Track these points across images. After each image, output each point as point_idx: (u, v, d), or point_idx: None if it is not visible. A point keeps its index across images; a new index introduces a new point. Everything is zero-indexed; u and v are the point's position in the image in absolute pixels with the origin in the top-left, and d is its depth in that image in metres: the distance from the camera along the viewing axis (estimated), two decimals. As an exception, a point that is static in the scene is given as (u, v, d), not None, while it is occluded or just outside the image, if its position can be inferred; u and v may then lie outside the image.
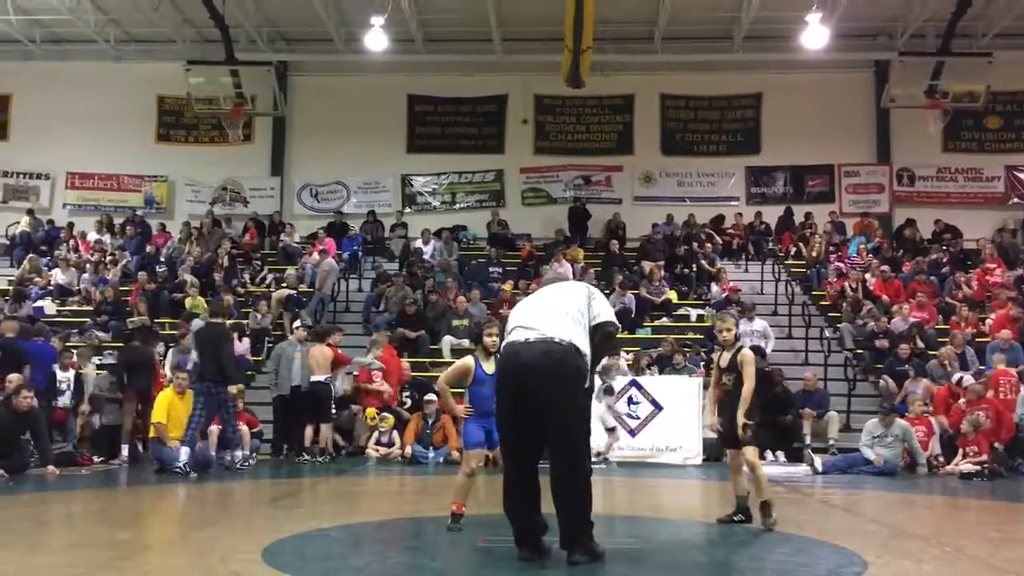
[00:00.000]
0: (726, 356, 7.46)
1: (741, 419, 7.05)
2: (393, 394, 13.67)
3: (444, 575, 5.27)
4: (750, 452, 7.14)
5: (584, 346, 5.33)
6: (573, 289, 5.71)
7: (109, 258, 19.55)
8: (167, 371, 12.90)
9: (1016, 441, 12.41)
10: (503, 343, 5.61)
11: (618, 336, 15.62)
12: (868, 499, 9.77)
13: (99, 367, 14.07)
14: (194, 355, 12.52)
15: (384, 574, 5.26)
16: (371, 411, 13.31)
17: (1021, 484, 11.27)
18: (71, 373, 12.88)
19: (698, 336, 16.04)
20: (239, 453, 11.53)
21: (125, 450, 12.10)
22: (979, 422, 11.95)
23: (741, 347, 7.50)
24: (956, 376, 13.56)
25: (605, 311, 5.54)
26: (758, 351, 14.42)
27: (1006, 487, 10.86)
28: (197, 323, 14.70)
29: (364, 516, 7.67)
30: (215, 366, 11.19)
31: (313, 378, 12.62)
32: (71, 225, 21.68)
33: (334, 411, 12.95)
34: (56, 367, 12.63)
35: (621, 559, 5.54)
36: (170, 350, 14.04)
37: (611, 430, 12.23)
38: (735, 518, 7.20)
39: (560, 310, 5.42)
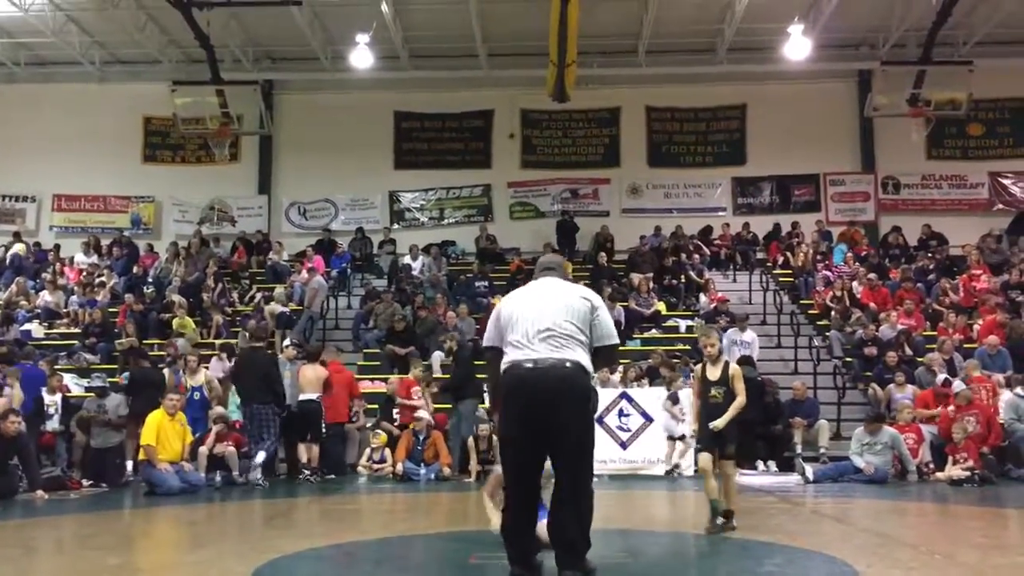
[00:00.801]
0: (713, 369, 7.58)
1: (722, 423, 7.30)
2: (344, 410, 13.44)
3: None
4: (729, 467, 7.42)
5: (589, 364, 5.22)
6: (575, 301, 5.32)
7: (97, 280, 19.49)
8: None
9: (1005, 446, 12.46)
10: (505, 364, 5.27)
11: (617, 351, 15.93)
12: (859, 508, 9.79)
13: (87, 389, 14.00)
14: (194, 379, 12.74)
15: (375, 594, 5.24)
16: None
17: (1011, 490, 11.31)
18: (58, 396, 12.83)
19: (686, 347, 16.07)
20: (256, 470, 11.58)
21: (130, 466, 12.09)
22: (968, 428, 11.99)
23: (728, 361, 7.69)
24: (940, 378, 13.62)
25: (609, 331, 5.36)
26: (748, 361, 14.56)
27: (996, 493, 10.89)
28: (183, 343, 14.73)
29: (356, 535, 7.64)
30: (259, 388, 11.79)
31: (303, 397, 12.56)
32: (58, 247, 21.61)
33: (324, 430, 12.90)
34: (44, 390, 12.59)
35: (613, 573, 5.54)
36: (165, 371, 14.02)
37: (679, 438, 12.62)
38: (718, 522, 7.28)
39: (565, 327, 5.19)
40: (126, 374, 13.91)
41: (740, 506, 9.72)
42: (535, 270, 5.75)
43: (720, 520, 7.27)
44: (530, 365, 5.10)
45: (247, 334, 15.07)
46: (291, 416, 12.62)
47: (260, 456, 11.70)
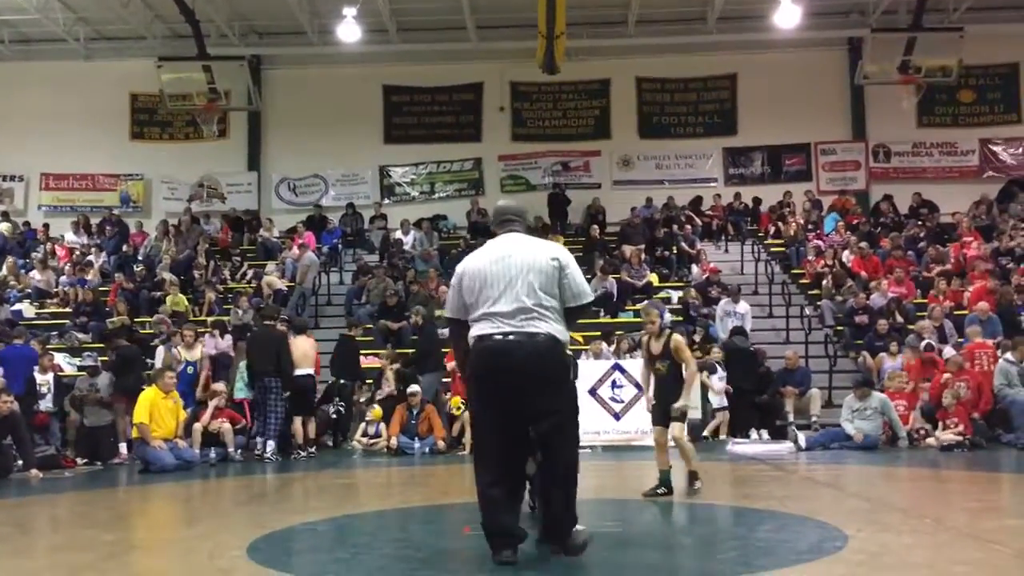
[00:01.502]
0: (656, 344, 7.59)
1: (686, 402, 7.41)
2: None
3: (431, 565, 5.29)
4: (676, 428, 7.48)
5: (563, 332, 4.90)
6: (542, 262, 4.89)
7: (87, 259, 19.41)
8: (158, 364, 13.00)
9: (995, 412, 12.55)
10: (473, 337, 4.91)
11: (599, 317, 15.93)
12: (850, 474, 9.87)
13: (80, 368, 13.99)
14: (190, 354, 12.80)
15: (370, 566, 5.28)
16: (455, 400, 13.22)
17: (1001, 455, 11.40)
18: (51, 376, 12.83)
19: (678, 319, 16.09)
20: (270, 444, 11.83)
21: (124, 448, 12.11)
22: (959, 394, 12.06)
23: (670, 332, 7.66)
24: (923, 344, 13.68)
25: (580, 289, 4.95)
26: (740, 332, 14.63)
27: (986, 458, 10.99)
28: (158, 317, 14.78)
29: (350, 509, 7.68)
30: (271, 364, 11.98)
31: (297, 372, 12.59)
32: (47, 227, 21.51)
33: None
34: (36, 370, 12.58)
35: (607, 542, 5.58)
36: (159, 348, 14.01)
37: (720, 410, 13.22)
38: (659, 491, 7.52)
39: (533, 293, 4.82)
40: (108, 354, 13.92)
41: (734, 475, 9.83)
42: (492, 221, 5.24)
43: (662, 490, 7.50)
44: (499, 338, 4.79)
45: (257, 311, 15.17)
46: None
47: (271, 444, 11.93)
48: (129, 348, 13.18)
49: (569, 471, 4.94)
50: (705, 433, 13.23)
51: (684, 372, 7.47)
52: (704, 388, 13.39)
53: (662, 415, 7.55)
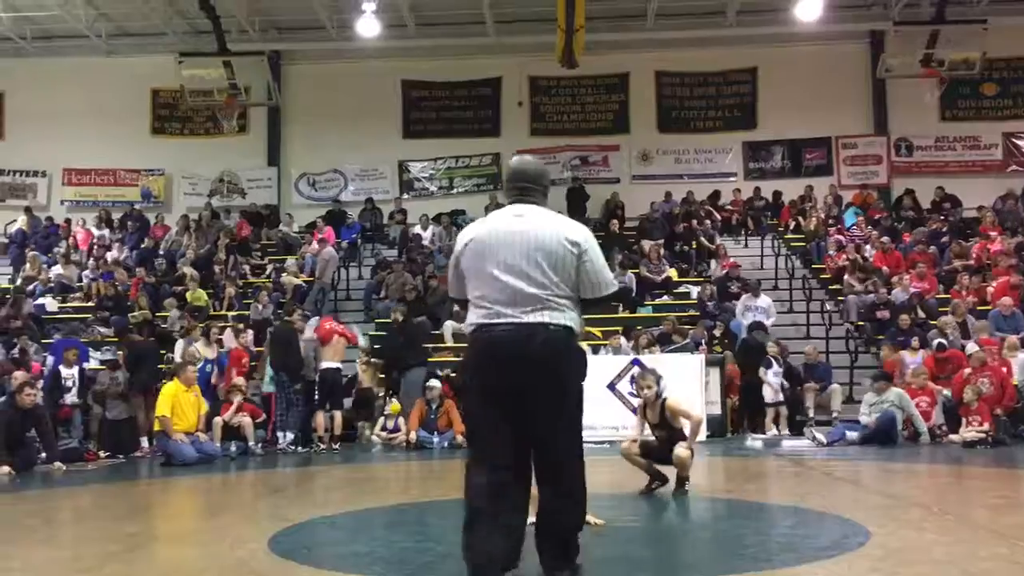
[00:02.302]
0: (652, 412, 7.49)
1: (687, 450, 7.25)
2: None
3: (449, 559, 5.29)
4: (682, 449, 7.32)
5: (576, 322, 4.17)
6: (558, 242, 4.11)
7: (110, 254, 19.58)
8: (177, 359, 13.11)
9: (1018, 408, 12.42)
10: (471, 325, 4.20)
11: (617, 312, 15.88)
12: (871, 470, 9.81)
13: (102, 362, 14.11)
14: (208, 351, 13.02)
15: (389, 560, 5.29)
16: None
17: (1024, 451, 11.30)
18: (75, 370, 12.95)
19: (696, 314, 16.04)
20: (290, 435, 12.25)
21: (145, 442, 12.23)
22: (982, 390, 11.95)
23: (664, 399, 7.50)
24: (936, 343, 13.55)
25: (601, 279, 4.18)
26: (760, 327, 14.55)
27: (1009, 454, 10.88)
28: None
29: (369, 502, 7.70)
30: (285, 359, 12.37)
31: (324, 365, 12.69)
32: (68, 221, 21.71)
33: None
34: (60, 365, 12.74)
35: (626, 536, 5.57)
36: (179, 342, 14.12)
37: (775, 405, 13.29)
38: (653, 485, 7.44)
39: (546, 277, 4.07)
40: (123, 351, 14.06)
41: (753, 469, 9.79)
42: (504, 187, 4.42)
43: (656, 484, 7.43)
44: (501, 329, 4.06)
45: (282, 311, 15.33)
46: (310, 385, 12.77)
47: (288, 436, 12.28)
48: (143, 344, 13.29)
49: (578, 481, 4.24)
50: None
51: (688, 428, 7.37)
52: (755, 384, 13.35)
53: (661, 458, 7.42)
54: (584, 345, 12.99)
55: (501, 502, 4.03)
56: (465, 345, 4.36)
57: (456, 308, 14.16)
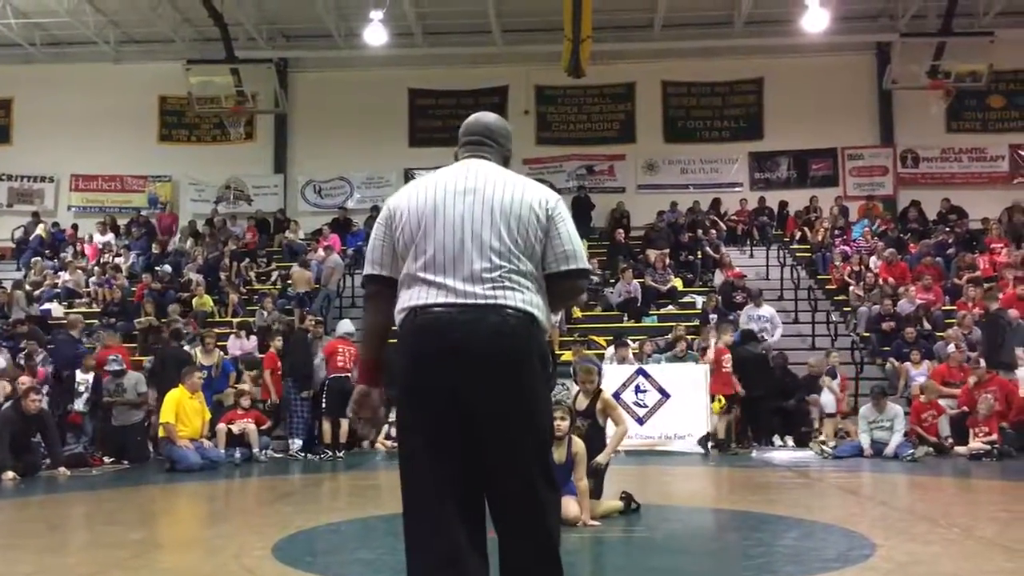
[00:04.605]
0: (583, 399, 7.06)
1: (605, 458, 6.84)
2: None
3: (454, 567, 5.28)
4: (584, 483, 6.57)
5: (542, 310, 3.08)
6: (521, 203, 3.10)
7: (117, 259, 19.62)
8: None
9: (1024, 421, 12.38)
10: (402, 310, 3.07)
11: (623, 322, 15.85)
12: (876, 482, 9.79)
13: (104, 371, 14.09)
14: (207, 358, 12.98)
15: (394, 567, 5.28)
16: None
17: (1030, 464, 11.25)
18: (91, 375, 12.94)
19: (699, 324, 16.00)
20: (298, 442, 12.45)
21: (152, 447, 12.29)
22: (991, 403, 11.91)
23: (601, 391, 7.15)
24: (950, 348, 13.55)
25: (570, 250, 3.11)
26: (752, 336, 14.36)
27: (1015, 467, 10.84)
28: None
29: (374, 510, 7.70)
30: (296, 367, 12.64)
31: (333, 373, 12.71)
32: (76, 227, 21.77)
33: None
34: (78, 370, 12.85)
35: (635, 547, 5.56)
36: (187, 347, 14.13)
37: (831, 415, 13.08)
38: (631, 506, 7.07)
39: (503, 244, 3.04)
40: (150, 357, 14.10)
41: (757, 480, 9.77)
42: (458, 142, 3.50)
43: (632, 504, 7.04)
44: (441, 311, 2.98)
45: (294, 318, 15.61)
46: (319, 392, 12.80)
47: (298, 442, 12.50)
48: (167, 352, 13.35)
49: (548, 537, 3.05)
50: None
51: (613, 428, 7.06)
52: (757, 397, 13.22)
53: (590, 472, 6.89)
54: (591, 353, 12.87)
55: (438, 559, 2.95)
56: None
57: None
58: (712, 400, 12.89)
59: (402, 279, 3.12)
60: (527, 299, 3.03)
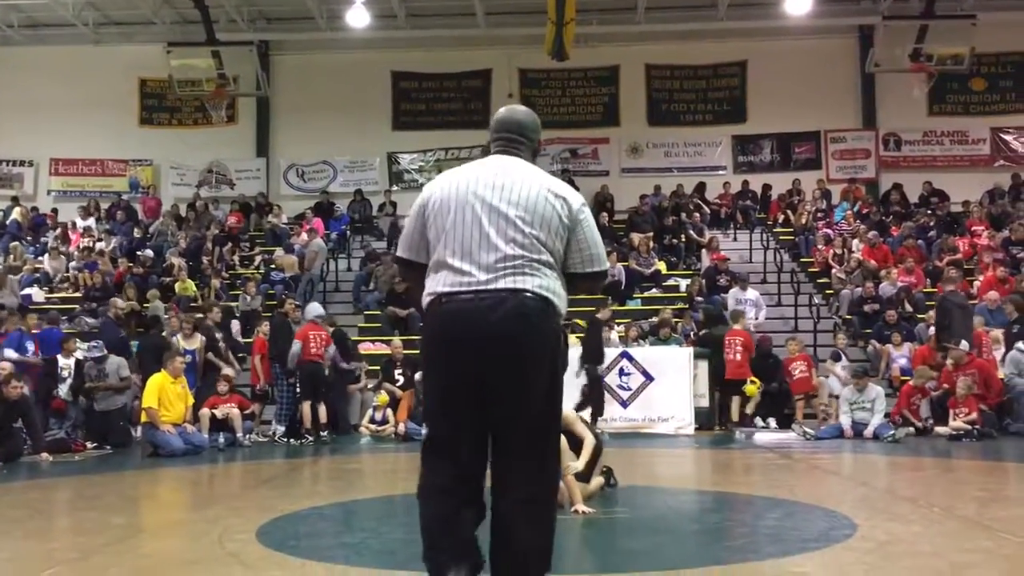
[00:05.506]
0: None
1: (581, 466, 6.58)
2: None
3: (438, 549, 5.30)
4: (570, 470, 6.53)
5: (560, 295, 3.42)
6: (543, 199, 3.40)
7: (99, 244, 19.46)
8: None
9: (1004, 401, 12.50)
10: (428, 295, 3.45)
11: (607, 306, 15.90)
12: (858, 462, 9.87)
13: (85, 357, 13.99)
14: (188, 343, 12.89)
15: (378, 551, 5.29)
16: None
17: (1009, 444, 11.37)
18: (72, 360, 12.85)
19: (684, 307, 16.07)
20: (278, 428, 12.45)
21: (138, 432, 12.21)
22: (970, 384, 12.01)
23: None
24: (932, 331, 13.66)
25: (594, 252, 3.48)
26: (720, 319, 14.38)
27: (995, 447, 10.96)
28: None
29: (358, 494, 7.71)
30: (279, 351, 12.58)
31: (308, 359, 12.65)
32: (55, 211, 21.57)
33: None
34: (59, 355, 12.75)
35: (616, 528, 5.59)
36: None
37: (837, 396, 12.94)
38: (610, 482, 7.11)
39: (525, 236, 3.35)
40: (135, 343, 14.03)
41: (742, 462, 9.85)
42: (489, 136, 3.76)
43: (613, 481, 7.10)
44: (465, 298, 3.32)
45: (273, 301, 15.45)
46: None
47: (281, 428, 12.47)
48: (147, 338, 13.28)
49: (548, 489, 3.47)
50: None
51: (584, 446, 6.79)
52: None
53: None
54: (573, 338, 12.92)
55: (456, 501, 3.37)
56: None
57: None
58: (745, 383, 13.10)
59: (431, 264, 3.46)
60: (544, 284, 3.35)
